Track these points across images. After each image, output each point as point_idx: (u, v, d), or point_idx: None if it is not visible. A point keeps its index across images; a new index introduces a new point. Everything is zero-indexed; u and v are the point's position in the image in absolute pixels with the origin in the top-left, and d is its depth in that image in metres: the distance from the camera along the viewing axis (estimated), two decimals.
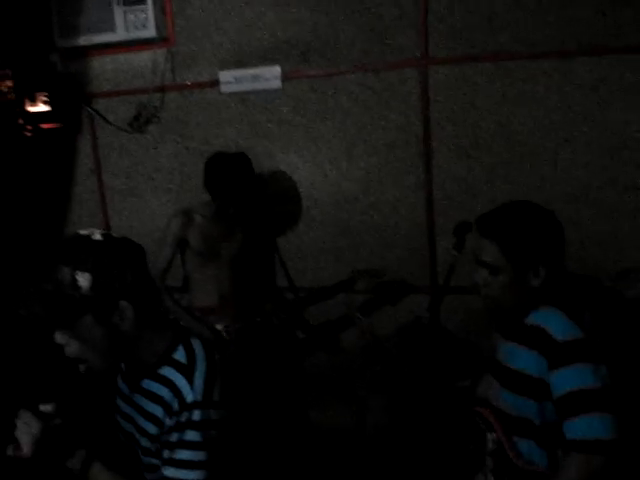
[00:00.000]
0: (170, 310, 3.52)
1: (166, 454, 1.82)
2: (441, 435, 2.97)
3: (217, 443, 1.83)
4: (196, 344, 1.91)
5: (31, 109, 4.28)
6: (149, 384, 1.89)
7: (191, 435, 1.79)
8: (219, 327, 3.55)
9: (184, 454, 1.79)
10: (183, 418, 1.80)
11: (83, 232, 1.83)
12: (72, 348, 1.81)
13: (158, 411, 1.86)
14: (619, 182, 3.59)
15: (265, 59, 4.01)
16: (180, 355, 1.87)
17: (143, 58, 4.20)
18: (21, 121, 4.33)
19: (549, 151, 3.65)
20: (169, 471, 1.81)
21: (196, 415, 1.80)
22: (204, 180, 3.55)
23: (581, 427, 1.97)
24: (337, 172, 3.99)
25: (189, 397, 1.81)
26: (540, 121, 3.65)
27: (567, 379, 2.01)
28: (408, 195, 3.91)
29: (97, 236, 1.81)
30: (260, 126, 4.05)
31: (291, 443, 3.78)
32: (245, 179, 3.53)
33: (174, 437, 1.81)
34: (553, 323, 2.07)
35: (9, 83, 4.29)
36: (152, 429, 1.89)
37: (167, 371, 1.86)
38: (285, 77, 3.98)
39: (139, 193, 4.34)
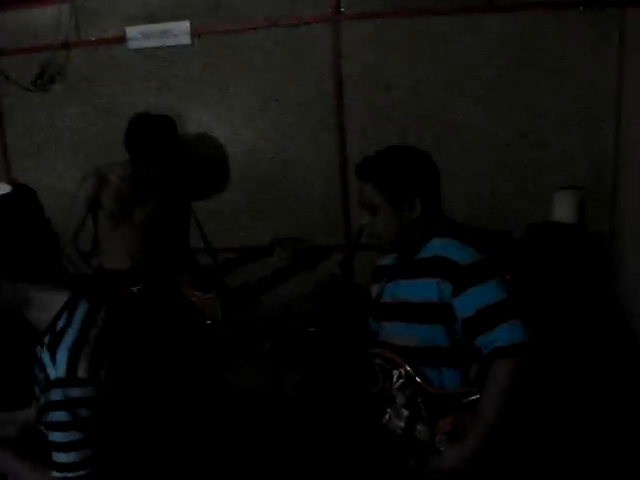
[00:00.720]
0: (81, 273, 3.43)
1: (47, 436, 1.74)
2: (346, 386, 3.00)
3: (90, 422, 1.69)
4: (81, 307, 1.81)
5: None
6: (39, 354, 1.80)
7: (57, 415, 1.68)
8: (133, 290, 3.49)
9: (55, 435, 1.70)
10: (48, 397, 1.69)
11: None
12: None
13: (37, 391, 1.81)
14: (529, 138, 3.65)
15: (174, 14, 3.89)
16: (61, 321, 1.78)
17: (46, 13, 4.01)
18: None
19: (460, 108, 3.68)
20: (52, 454, 1.72)
21: (58, 394, 1.68)
22: (125, 141, 3.42)
23: (498, 336, 2.05)
24: (251, 131, 3.94)
25: (52, 374, 1.69)
26: (452, 79, 3.66)
27: (475, 298, 2.09)
28: (322, 153, 3.89)
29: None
30: (169, 83, 3.96)
31: (207, 405, 3.76)
32: (170, 142, 3.43)
33: (44, 418, 1.72)
34: (454, 250, 2.17)
35: None
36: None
37: (46, 340, 1.76)
38: (194, 33, 3.88)
39: (45, 153, 4.19)
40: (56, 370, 1.68)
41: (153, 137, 3.39)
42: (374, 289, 2.51)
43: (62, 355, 1.69)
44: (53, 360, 1.69)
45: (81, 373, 1.68)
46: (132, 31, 3.92)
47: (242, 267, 3.93)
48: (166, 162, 3.46)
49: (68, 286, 1.84)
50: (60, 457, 1.70)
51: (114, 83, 4.00)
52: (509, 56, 3.60)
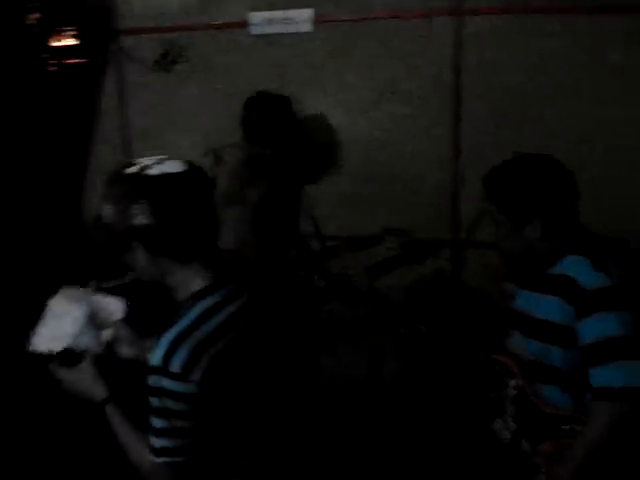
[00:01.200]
0: None
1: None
2: (459, 384, 2.99)
3: (179, 414, 1.72)
4: (208, 300, 1.82)
5: (57, 43, 4.23)
6: None
7: (151, 400, 1.73)
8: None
9: (151, 419, 1.75)
10: (147, 380, 1.74)
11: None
12: None
13: None
14: None
15: (297, 2, 3.93)
16: (184, 308, 1.82)
17: None
18: (46, 55, 4.27)
19: (580, 107, 3.61)
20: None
21: (152, 380, 1.71)
22: (242, 119, 3.50)
23: (608, 375, 2.00)
24: (366, 120, 3.95)
25: (151, 359, 1.72)
26: (571, 77, 3.60)
27: (595, 327, 2.04)
28: (435, 146, 3.87)
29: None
30: (289, 70, 4.00)
31: (303, 393, 3.80)
32: (285, 120, 3.51)
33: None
34: (581, 272, 2.10)
35: (36, 15, 4.23)
36: None
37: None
38: (316, 20, 3.91)
39: (163, 133, 4.30)
40: (154, 357, 1.71)
41: (269, 114, 3.45)
42: (509, 288, 2.47)
43: (163, 344, 1.71)
44: (157, 345, 1.72)
45: (173, 367, 1.69)
46: (255, 17, 3.98)
47: (349, 255, 3.95)
48: (281, 141, 3.51)
49: (211, 274, 1.85)
50: (154, 441, 1.75)
51: (235, 67, 4.06)
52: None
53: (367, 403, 3.87)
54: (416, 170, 3.91)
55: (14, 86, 4.08)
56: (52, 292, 2.16)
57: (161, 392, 1.70)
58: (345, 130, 3.98)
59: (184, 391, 1.70)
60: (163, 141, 4.30)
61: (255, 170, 3.62)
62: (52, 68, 4.28)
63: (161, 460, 1.74)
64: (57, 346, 1.99)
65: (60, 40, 4.22)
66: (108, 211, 1.77)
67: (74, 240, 4.46)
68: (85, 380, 1.93)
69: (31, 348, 1.98)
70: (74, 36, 4.21)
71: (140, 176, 1.74)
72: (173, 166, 1.77)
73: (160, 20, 4.18)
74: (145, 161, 1.79)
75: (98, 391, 1.91)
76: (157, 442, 1.74)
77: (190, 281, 1.83)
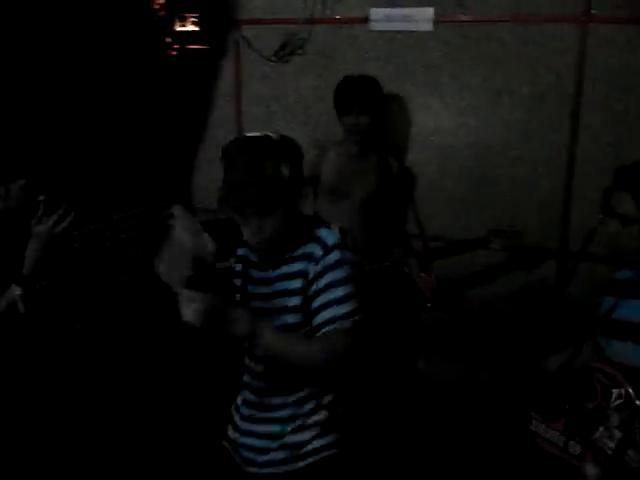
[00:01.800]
0: None
1: (316, 303, 2.03)
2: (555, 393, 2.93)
3: (355, 279, 2.05)
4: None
5: (180, 29, 4.35)
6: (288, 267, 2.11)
7: (336, 274, 2.02)
8: None
9: (336, 291, 2.01)
10: (326, 261, 2.03)
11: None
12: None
13: (298, 283, 2.08)
14: None
15: (417, 0, 3.93)
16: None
17: None
18: (169, 40, 4.41)
19: None
20: (332, 310, 2.00)
21: (334, 255, 2.03)
22: (334, 100, 3.61)
23: None
24: (480, 122, 3.91)
25: (329, 241, 2.05)
26: None
27: None
28: (550, 153, 3.81)
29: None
30: (406, 67, 4.00)
31: (398, 389, 3.81)
32: (371, 93, 3.57)
33: (321, 282, 2.03)
34: None
35: (161, 1, 4.36)
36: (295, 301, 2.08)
37: (307, 248, 2.09)
38: (437, 20, 3.90)
39: (276, 123, 4.37)
40: (331, 238, 2.07)
41: (356, 87, 3.56)
42: (606, 302, 2.45)
43: (333, 230, 2.10)
44: (325, 234, 2.08)
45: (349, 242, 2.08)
46: (376, 13, 4.00)
47: (452, 257, 3.93)
48: (370, 115, 3.55)
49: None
50: (344, 307, 2.01)
51: (351, 62, 4.09)
52: None
53: (458, 408, 3.85)
54: (527, 176, 3.86)
55: (138, 66, 4.23)
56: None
57: (347, 262, 2.05)
58: (457, 131, 3.96)
59: (356, 260, 2.07)
60: (275, 130, 4.35)
61: (361, 168, 3.65)
62: (174, 52, 4.41)
63: (352, 320, 2.01)
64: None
65: (183, 26, 4.34)
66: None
67: None
68: (221, 310, 1.92)
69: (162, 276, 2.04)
70: (196, 23, 4.33)
71: (284, 141, 2.08)
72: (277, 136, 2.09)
73: (281, 12, 4.24)
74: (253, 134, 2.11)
75: (241, 320, 1.92)
76: (347, 306, 2.02)
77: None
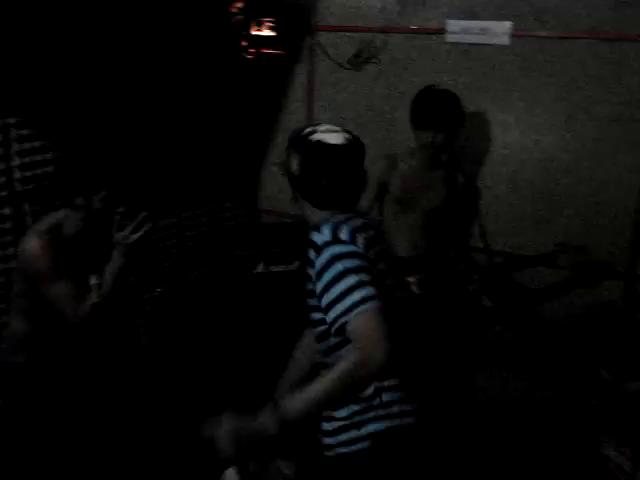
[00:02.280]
0: None
1: (322, 305, 2.05)
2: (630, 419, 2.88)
3: (358, 269, 2.01)
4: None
5: (256, 33, 4.41)
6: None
7: (333, 270, 2.01)
8: (411, 279, 3.56)
9: (338, 285, 1.99)
10: (321, 262, 2.04)
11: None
12: None
13: (310, 285, 2.14)
14: None
15: (496, 13, 3.90)
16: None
17: None
18: (245, 43, 4.47)
19: None
20: (330, 313, 2.00)
21: (327, 253, 2.04)
22: (410, 112, 3.56)
23: None
24: (552, 140, 3.87)
25: (322, 239, 2.07)
26: None
27: None
28: (622, 175, 3.74)
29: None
30: (480, 80, 3.98)
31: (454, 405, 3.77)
32: (452, 111, 3.50)
33: (320, 285, 2.04)
34: None
35: (240, 5, 4.43)
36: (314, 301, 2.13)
37: (309, 252, 2.13)
38: (514, 34, 3.86)
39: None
40: (322, 236, 2.07)
41: (436, 102, 3.49)
42: None
43: (326, 228, 2.08)
44: (318, 233, 2.09)
45: (342, 237, 2.06)
46: (453, 25, 3.98)
47: (517, 273, 3.89)
48: (447, 130, 3.50)
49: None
50: (351, 298, 1.96)
51: (425, 72, 4.08)
52: None
53: (517, 426, 3.81)
54: (598, 196, 3.80)
55: (214, 68, 4.31)
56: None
57: (338, 257, 2.02)
58: (530, 147, 3.92)
59: (356, 250, 2.04)
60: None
61: (429, 179, 3.64)
62: (249, 56, 4.47)
63: (365, 306, 1.94)
64: None
65: (259, 30, 4.40)
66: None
67: (248, 226, 4.66)
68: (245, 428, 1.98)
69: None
70: (272, 27, 4.38)
71: (304, 137, 2.21)
72: (333, 138, 2.20)
73: (357, 20, 4.27)
74: (319, 127, 2.26)
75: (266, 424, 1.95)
76: (355, 296, 1.96)
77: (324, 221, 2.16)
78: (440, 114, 3.46)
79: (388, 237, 3.72)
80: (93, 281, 2.60)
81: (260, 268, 4.22)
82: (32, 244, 2.62)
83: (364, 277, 1.99)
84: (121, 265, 2.69)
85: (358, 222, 2.16)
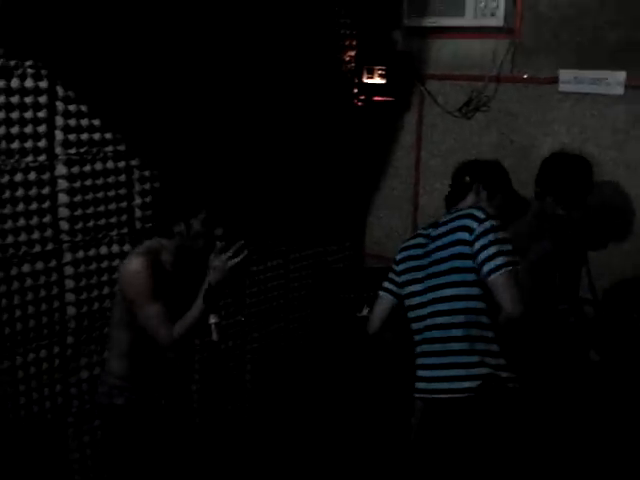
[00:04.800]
0: None
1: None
2: None
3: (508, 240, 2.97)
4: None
5: (367, 81, 4.52)
6: None
7: (495, 237, 2.92)
8: None
9: (499, 248, 2.90)
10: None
11: None
12: None
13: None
14: None
15: (609, 62, 3.86)
16: None
17: (484, 46, 4.22)
18: (356, 90, 4.59)
19: None
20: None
21: (485, 226, 2.95)
22: (538, 175, 3.54)
23: None
24: None
25: (479, 217, 2.97)
26: None
27: None
28: None
29: None
30: (592, 131, 3.93)
31: None
32: (584, 183, 3.47)
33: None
34: None
35: (352, 53, 4.55)
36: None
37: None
38: (628, 84, 3.81)
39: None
40: (479, 216, 2.98)
41: (569, 172, 3.44)
42: None
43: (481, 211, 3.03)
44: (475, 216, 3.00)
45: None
46: (565, 74, 3.96)
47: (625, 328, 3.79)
48: (575, 203, 3.46)
49: None
50: (505, 259, 2.88)
51: (536, 122, 4.07)
52: None
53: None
54: None
55: (326, 113, 4.44)
56: None
57: (496, 229, 2.93)
58: None
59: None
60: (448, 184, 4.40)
61: (542, 227, 3.61)
62: (359, 103, 4.58)
63: (510, 268, 2.87)
64: None
65: (370, 78, 4.51)
66: None
67: (353, 269, 4.73)
68: None
69: None
70: (383, 75, 4.48)
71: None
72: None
73: (467, 69, 4.30)
74: None
75: None
76: (507, 258, 2.89)
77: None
78: (567, 194, 3.45)
79: None
80: (212, 320, 2.63)
81: (364, 312, 4.26)
82: (132, 265, 2.71)
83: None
84: (212, 290, 2.61)
85: None
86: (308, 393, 4.36)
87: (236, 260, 2.60)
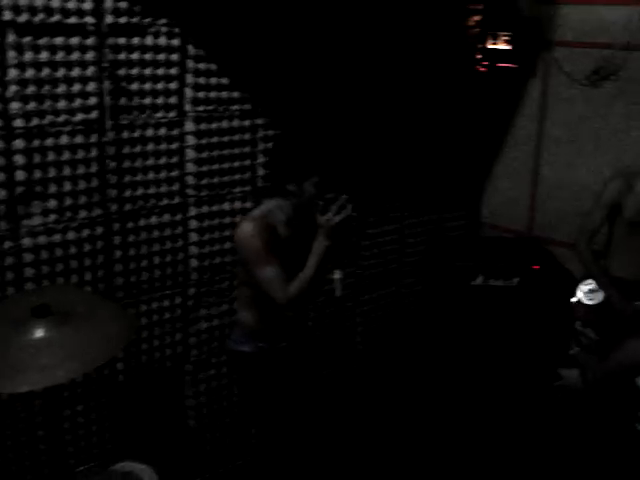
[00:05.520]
0: (590, 273, 3.53)
1: None
2: None
3: None
4: None
5: (491, 46, 4.43)
6: None
7: None
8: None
9: None
10: None
11: None
12: None
13: None
14: None
15: None
16: None
17: (615, 13, 4.07)
18: (479, 56, 4.51)
19: None
20: None
21: None
22: None
23: None
24: None
25: None
26: None
27: None
28: None
29: None
30: None
31: None
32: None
33: None
34: None
35: (477, 18, 4.47)
36: None
37: None
38: None
39: (578, 148, 4.30)
40: None
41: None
42: None
43: None
44: None
45: None
46: None
47: None
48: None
49: None
50: None
51: None
52: None
53: None
54: None
55: (447, 79, 4.39)
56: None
57: None
58: None
59: None
60: (572, 155, 4.30)
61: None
62: (482, 69, 4.50)
63: None
64: None
65: (494, 44, 4.42)
66: None
67: (469, 238, 4.69)
68: None
69: None
70: (508, 41, 4.39)
71: None
72: None
73: (596, 35, 4.16)
74: None
75: None
76: None
77: None
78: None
79: (615, 259, 3.62)
80: (336, 275, 2.69)
81: (479, 281, 4.23)
82: (245, 228, 2.78)
83: None
84: (324, 248, 2.71)
85: None
86: (417, 360, 4.37)
87: (341, 216, 2.68)
